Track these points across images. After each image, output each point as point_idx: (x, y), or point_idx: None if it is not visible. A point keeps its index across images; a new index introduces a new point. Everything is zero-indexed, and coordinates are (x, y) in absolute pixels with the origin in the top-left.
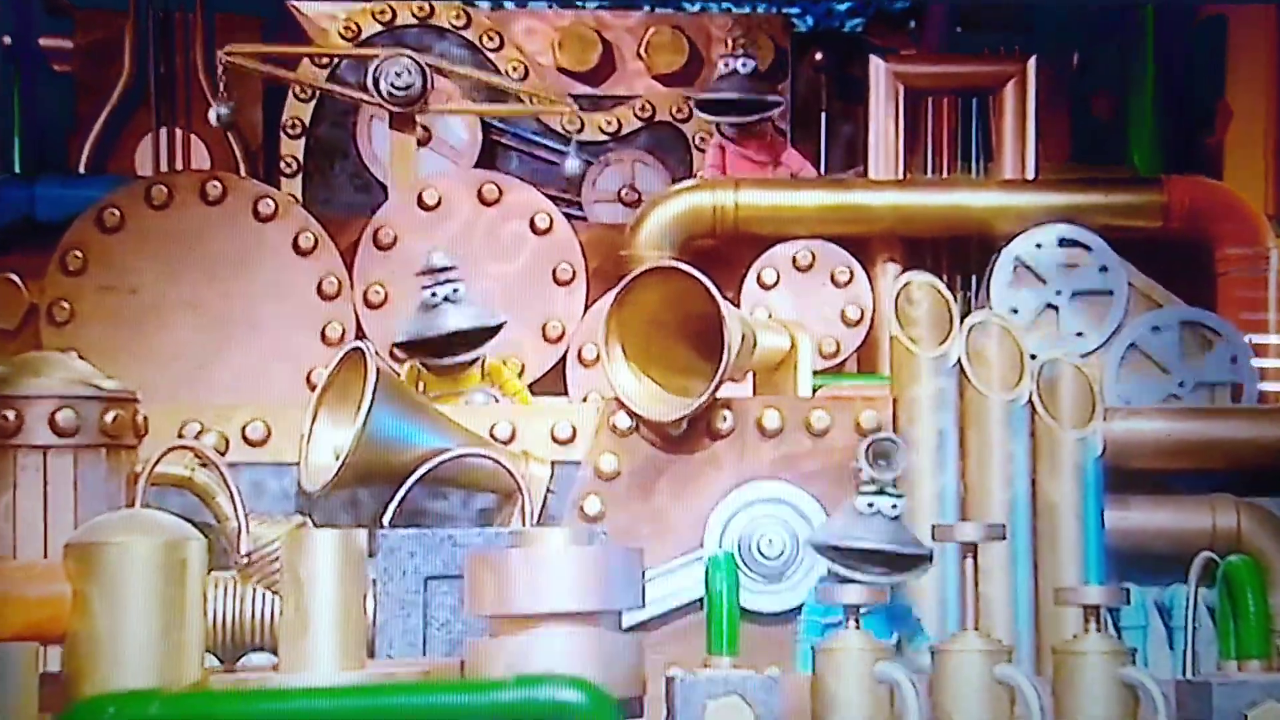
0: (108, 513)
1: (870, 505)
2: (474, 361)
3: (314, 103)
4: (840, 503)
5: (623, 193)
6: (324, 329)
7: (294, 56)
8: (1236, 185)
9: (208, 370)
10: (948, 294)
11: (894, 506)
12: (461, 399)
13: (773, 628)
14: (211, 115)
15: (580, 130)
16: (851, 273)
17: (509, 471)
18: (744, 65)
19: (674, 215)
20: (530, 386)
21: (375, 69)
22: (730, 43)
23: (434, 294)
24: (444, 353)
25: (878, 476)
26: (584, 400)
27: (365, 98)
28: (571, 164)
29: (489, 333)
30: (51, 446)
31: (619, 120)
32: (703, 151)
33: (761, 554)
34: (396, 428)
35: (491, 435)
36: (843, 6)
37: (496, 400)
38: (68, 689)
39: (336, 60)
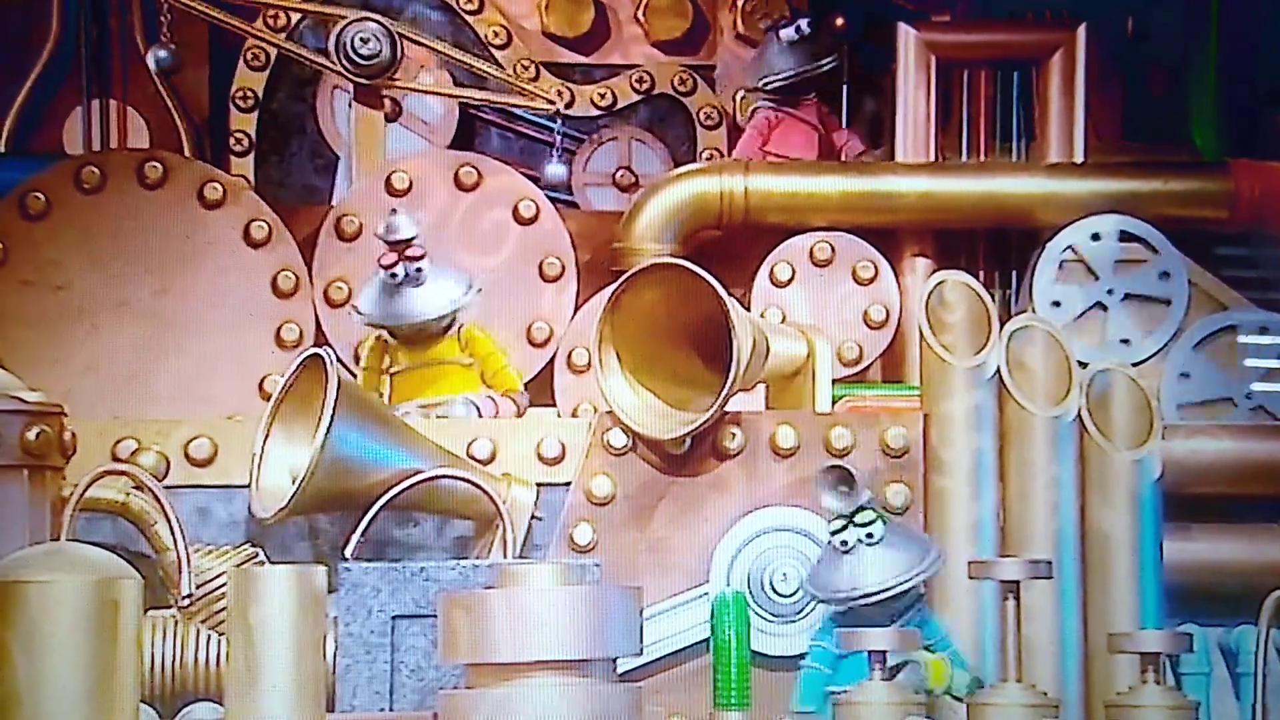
0: (29, 546)
1: (844, 543)
2: (449, 327)
3: (268, 71)
4: None
5: (618, 175)
6: (279, 331)
7: (246, 5)
8: None
9: (145, 379)
10: (985, 295)
11: (869, 535)
12: (438, 408)
13: (788, 673)
14: (150, 60)
15: (570, 105)
16: (876, 268)
17: (488, 495)
18: (799, 30)
19: (676, 202)
20: None
21: (338, 34)
22: (775, 12)
23: (393, 275)
24: (410, 333)
25: (838, 508)
26: (574, 414)
27: (326, 63)
28: (554, 169)
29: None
30: None
31: (614, 93)
32: (709, 129)
33: (775, 591)
34: (361, 445)
35: (469, 454)
36: None
37: (477, 409)
38: None
39: (295, 21)
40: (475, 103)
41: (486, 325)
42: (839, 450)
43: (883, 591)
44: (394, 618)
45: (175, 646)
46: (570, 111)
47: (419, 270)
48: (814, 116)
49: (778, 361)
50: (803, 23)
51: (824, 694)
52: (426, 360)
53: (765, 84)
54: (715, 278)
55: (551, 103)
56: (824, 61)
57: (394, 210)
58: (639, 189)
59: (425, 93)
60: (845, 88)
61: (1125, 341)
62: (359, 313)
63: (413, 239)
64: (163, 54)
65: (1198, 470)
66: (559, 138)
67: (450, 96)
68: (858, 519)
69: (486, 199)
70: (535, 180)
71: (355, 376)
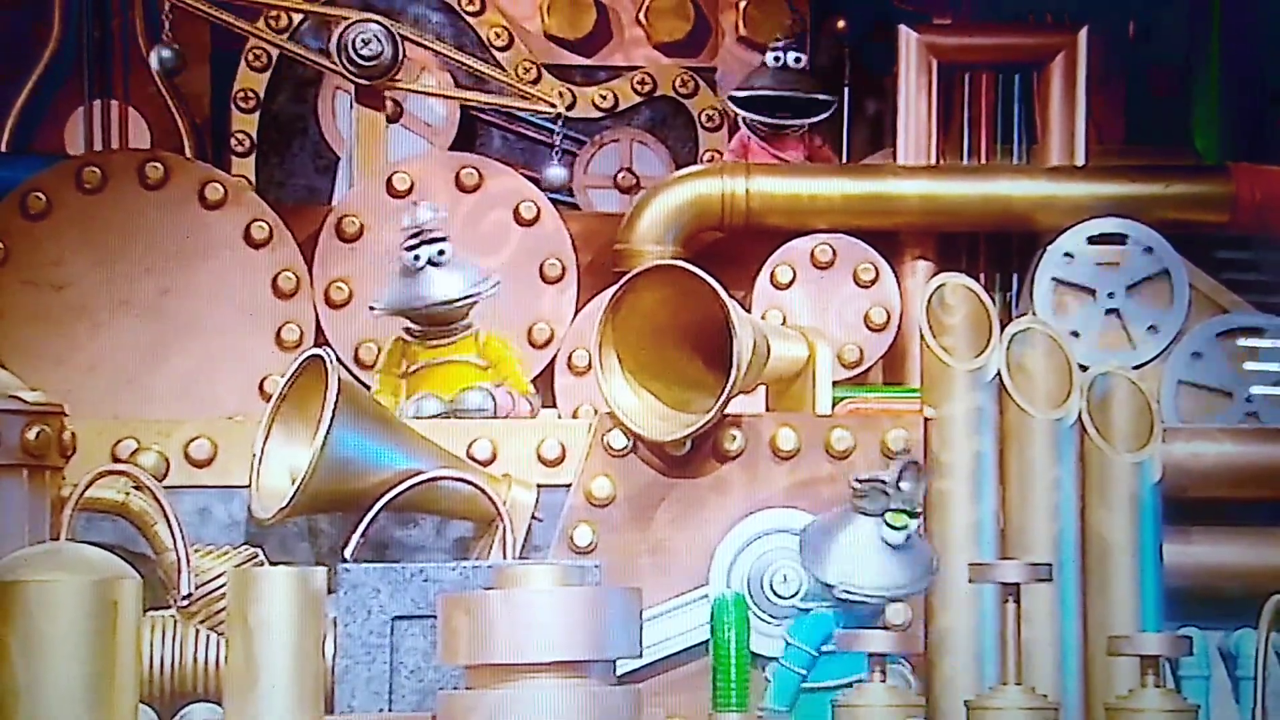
0: (28, 545)
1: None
2: (468, 327)
3: (270, 72)
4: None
5: (619, 177)
6: (279, 331)
7: (250, 5)
8: None
9: (145, 379)
10: (986, 297)
11: (904, 528)
12: (458, 394)
13: None
14: (154, 59)
15: (571, 107)
16: (877, 271)
17: (488, 496)
18: (796, 60)
19: (677, 204)
20: None
21: (339, 35)
22: (781, 32)
23: (416, 257)
24: (428, 319)
25: (874, 508)
26: (574, 415)
27: (328, 64)
28: (554, 172)
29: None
30: None
31: (615, 95)
32: (710, 131)
33: (775, 592)
34: (361, 446)
35: (469, 455)
36: None
37: (493, 399)
38: None
39: (297, 22)
40: (477, 104)
41: (488, 325)
42: (839, 452)
43: (862, 590)
44: (393, 619)
45: (174, 647)
46: (572, 113)
47: (441, 253)
48: (796, 154)
49: (778, 363)
50: (791, 57)
51: (796, 693)
52: (444, 358)
53: (729, 96)
54: (716, 279)
55: (554, 105)
56: (794, 93)
57: (415, 203)
58: (640, 191)
59: (427, 94)
60: (847, 90)
61: (1153, 328)
62: (377, 307)
63: (433, 226)
64: (166, 53)
65: (1198, 474)
66: (559, 139)
67: (452, 99)
68: (889, 519)
69: (488, 200)
70: (536, 182)
71: (358, 379)
